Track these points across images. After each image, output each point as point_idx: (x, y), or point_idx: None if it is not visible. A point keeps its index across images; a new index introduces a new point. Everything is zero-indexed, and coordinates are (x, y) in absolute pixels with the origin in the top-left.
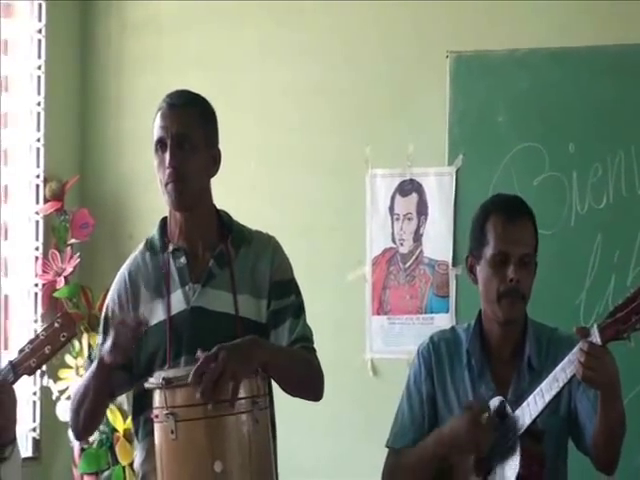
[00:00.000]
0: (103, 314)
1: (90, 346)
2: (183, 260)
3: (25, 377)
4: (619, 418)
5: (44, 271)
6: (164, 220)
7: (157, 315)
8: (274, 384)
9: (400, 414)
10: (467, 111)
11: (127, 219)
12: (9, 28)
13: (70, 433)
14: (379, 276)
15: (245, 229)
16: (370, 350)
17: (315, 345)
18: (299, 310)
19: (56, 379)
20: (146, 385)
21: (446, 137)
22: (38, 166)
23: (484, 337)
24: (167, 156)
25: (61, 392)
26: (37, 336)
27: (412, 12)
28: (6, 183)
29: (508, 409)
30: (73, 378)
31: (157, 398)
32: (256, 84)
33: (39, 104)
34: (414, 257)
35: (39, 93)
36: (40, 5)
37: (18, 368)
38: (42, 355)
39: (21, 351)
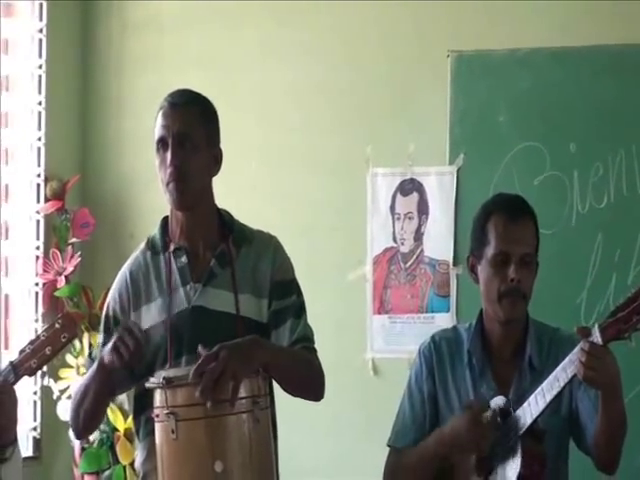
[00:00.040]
0: (104, 313)
1: (91, 345)
2: (184, 259)
3: (26, 378)
4: (620, 418)
5: (45, 270)
6: (165, 219)
7: (158, 314)
8: (275, 384)
9: (401, 413)
10: (468, 111)
11: (128, 218)
12: (10, 28)
13: (71, 432)
14: (380, 275)
15: (246, 228)
16: (371, 349)
17: (316, 345)
18: (300, 310)
19: (57, 378)
20: (147, 385)
21: (447, 136)
22: (39, 165)
23: (485, 337)
24: (168, 155)
25: (62, 391)
26: (38, 337)
27: (413, 12)
28: (7, 182)
29: (512, 409)
30: (74, 377)
31: (158, 398)
32: (257, 84)
33: (40, 103)
34: (415, 256)
35: (40, 92)
36: (41, 5)
37: (19, 369)
38: (43, 356)
39: (22, 352)
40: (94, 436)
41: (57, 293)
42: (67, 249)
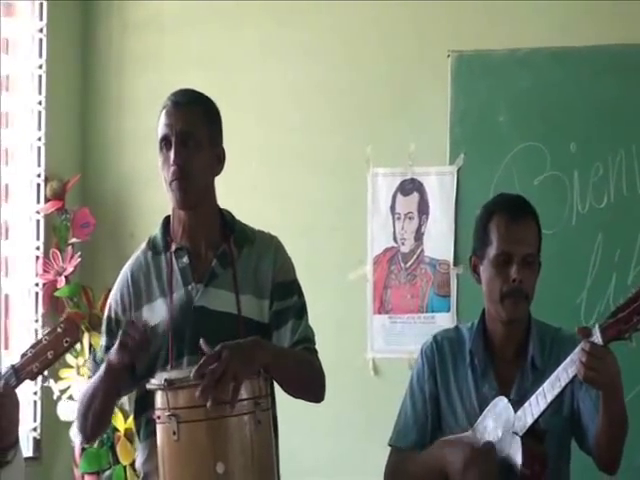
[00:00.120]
0: (106, 314)
1: (91, 345)
2: (186, 260)
3: (27, 381)
4: (621, 418)
5: (45, 270)
6: (166, 219)
7: (159, 315)
8: (276, 385)
9: (403, 413)
10: (468, 110)
11: (128, 218)
12: (10, 27)
13: (71, 433)
14: (380, 275)
15: (248, 229)
16: (371, 349)
17: (316, 345)
18: (301, 311)
19: (57, 379)
20: (148, 386)
21: (447, 136)
22: (39, 165)
23: (487, 337)
24: (172, 154)
25: (62, 392)
26: (40, 340)
27: (413, 12)
28: (7, 182)
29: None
30: (74, 378)
31: (159, 399)
32: (257, 84)
33: (40, 103)
34: (415, 256)
35: (40, 92)
36: (41, 4)
37: (20, 372)
38: (45, 360)
39: (23, 355)
40: None
41: (57, 293)
42: (67, 249)
